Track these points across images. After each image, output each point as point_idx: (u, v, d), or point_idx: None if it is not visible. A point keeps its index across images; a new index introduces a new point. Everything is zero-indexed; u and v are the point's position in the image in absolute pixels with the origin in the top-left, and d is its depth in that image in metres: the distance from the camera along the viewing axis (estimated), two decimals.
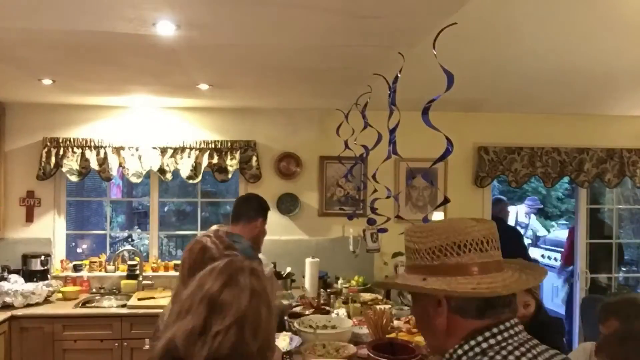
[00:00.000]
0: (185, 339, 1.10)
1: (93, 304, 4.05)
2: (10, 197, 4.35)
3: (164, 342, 1.12)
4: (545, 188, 9.07)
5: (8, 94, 4.03)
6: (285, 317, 3.00)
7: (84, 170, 4.30)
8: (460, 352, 1.05)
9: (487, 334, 1.04)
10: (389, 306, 3.40)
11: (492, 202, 5.35)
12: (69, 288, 4.16)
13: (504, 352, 1.01)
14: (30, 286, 3.86)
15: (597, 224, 5.26)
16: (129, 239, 6.87)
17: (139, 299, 3.96)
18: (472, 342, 1.04)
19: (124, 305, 3.91)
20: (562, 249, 5.95)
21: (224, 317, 1.11)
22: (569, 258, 5.41)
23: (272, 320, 1.20)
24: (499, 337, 1.03)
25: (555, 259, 6.59)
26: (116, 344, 3.74)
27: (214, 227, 2.37)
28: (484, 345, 1.03)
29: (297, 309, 3.28)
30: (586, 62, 3.08)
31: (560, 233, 7.50)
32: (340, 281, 4.25)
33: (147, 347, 3.60)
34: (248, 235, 2.80)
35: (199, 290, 1.16)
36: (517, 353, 1.01)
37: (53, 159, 4.26)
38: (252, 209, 2.99)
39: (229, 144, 4.44)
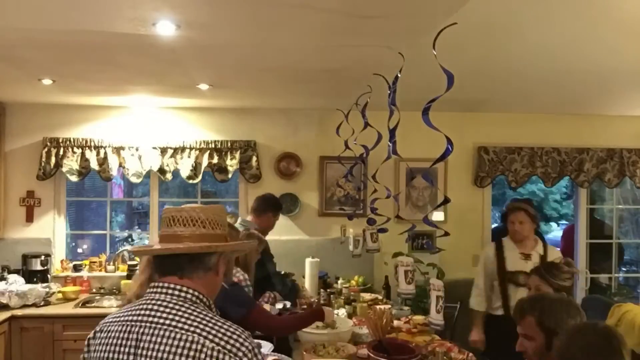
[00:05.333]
0: None
1: (93, 304, 4.04)
2: (10, 197, 4.35)
3: None
4: (543, 191, 9.09)
5: (8, 94, 4.03)
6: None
7: (84, 170, 4.30)
8: None
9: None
10: (389, 306, 3.40)
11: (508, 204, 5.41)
12: (69, 288, 4.15)
13: (142, 305, 1.33)
14: (26, 287, 3.85)
15: (597, 224, 5.26)
16: (129, 239, 6.86)
17: None
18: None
19: (124, 306, 3.89)
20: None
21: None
22: None
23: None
24: (149, 290, 1.34)
25: None
26: None
27: None
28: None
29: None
30: (586, 62, 3.08)
31: (560, 234, 7.48)
32: (340, 281, 4.25)
33: None
34: (261, 225, 3.62)
35: None
36: (136, 309, 1.33)
37: (53, 159, 4.26)
38: (262, 204, 3.74)
39: (229, 144, 4.44)
